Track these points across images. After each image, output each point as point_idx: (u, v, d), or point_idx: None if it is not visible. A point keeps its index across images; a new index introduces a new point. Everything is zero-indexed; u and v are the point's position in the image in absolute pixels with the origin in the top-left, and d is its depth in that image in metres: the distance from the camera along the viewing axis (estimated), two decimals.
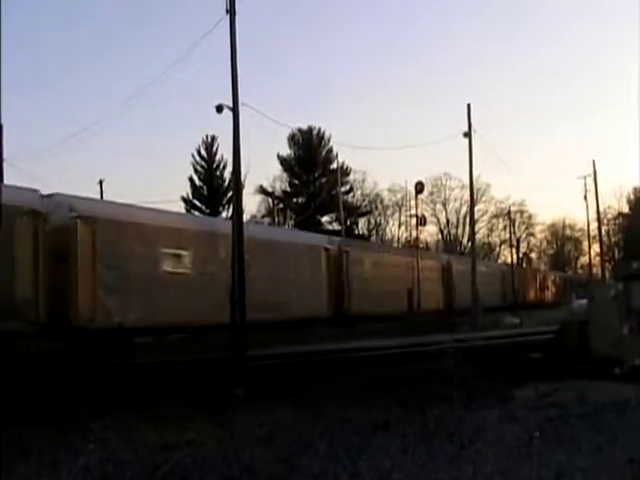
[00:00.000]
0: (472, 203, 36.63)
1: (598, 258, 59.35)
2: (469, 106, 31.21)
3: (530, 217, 77.12)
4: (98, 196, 34.27)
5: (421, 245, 43.41)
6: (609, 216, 66.80)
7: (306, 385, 11.35)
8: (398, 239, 69.36)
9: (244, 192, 22.67)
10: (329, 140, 60.61)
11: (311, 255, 25.57)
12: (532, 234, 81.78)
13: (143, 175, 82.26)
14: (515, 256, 69.29)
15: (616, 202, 69.75)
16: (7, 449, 6.54)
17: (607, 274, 49.25)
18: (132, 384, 11.00)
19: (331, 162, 60.18)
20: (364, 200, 67.83)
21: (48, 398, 9.75)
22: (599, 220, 52.59)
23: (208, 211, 53.93)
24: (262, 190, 61.15)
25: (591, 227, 56.13)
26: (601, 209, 53.66)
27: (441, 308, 34.57)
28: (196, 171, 57.71)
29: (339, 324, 25.07)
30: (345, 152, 79.61)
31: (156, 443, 7.09)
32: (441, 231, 74.96)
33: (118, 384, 10.89)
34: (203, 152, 57.77)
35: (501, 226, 73.62)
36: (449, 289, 37.21)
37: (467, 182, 37.05)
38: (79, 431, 7.62)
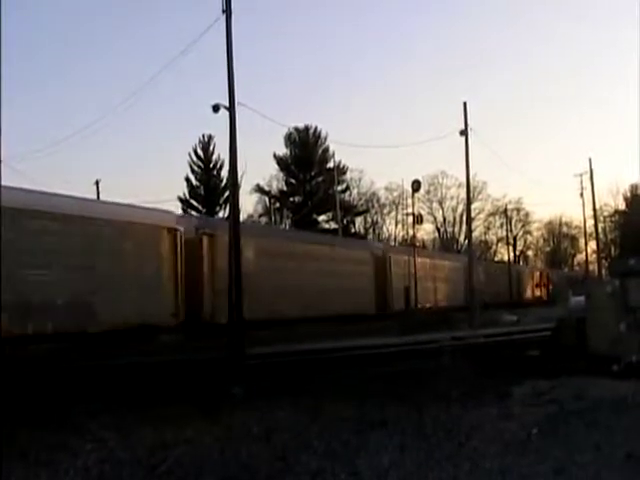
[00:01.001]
0: (469, 201, 36.63)
1: (595, 255, 59.45)
2: (465, 104, 31.21)
3: (527, 215, 77.33)
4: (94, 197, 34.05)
5: (418, 243, 43.22)
6: (605, 213, 66.96)
7: (304, 384, 11.33)
8: (395, 237, 69.49)
9: (241, 191, 22.58)
10: (325, 139, 60.74)
11: (145, 239, 18.54)
12: (529, 232, 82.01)
13: (140, 175, 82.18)
14: (512, 254, 69.42)
15: (612, 199, 69.84)
16: (5, 450, 6.52)
17: (603, 271, 49.38)
18: (129, 383, 10.97)
19: (327, 161, 60.20)
20: (361, 199, 67.99)
21: (45, 398, 9.72)
22: (595, 217, 52.66)
23: (205, 211, 53.94)
24: (259, 189, 61.26)
25: (587, 224, 56.30)
26: (597, 206, 53.76)
27: (371, 311, 29.06)
28: (193, 171, 57.79)
29: (193, 333, 18.97)
30: (342, 151, 79.39)
31: (154, 442, 7.07)
32: (438, 229, 75.08)
33: (115, 383, 10.86)
34: (200, 152, 57.82)
35: (498, 224, 73.89)
36: (384, 286, 31.71)
37: (464, 180, 37.29)
38: (76, 431, 7.60)
